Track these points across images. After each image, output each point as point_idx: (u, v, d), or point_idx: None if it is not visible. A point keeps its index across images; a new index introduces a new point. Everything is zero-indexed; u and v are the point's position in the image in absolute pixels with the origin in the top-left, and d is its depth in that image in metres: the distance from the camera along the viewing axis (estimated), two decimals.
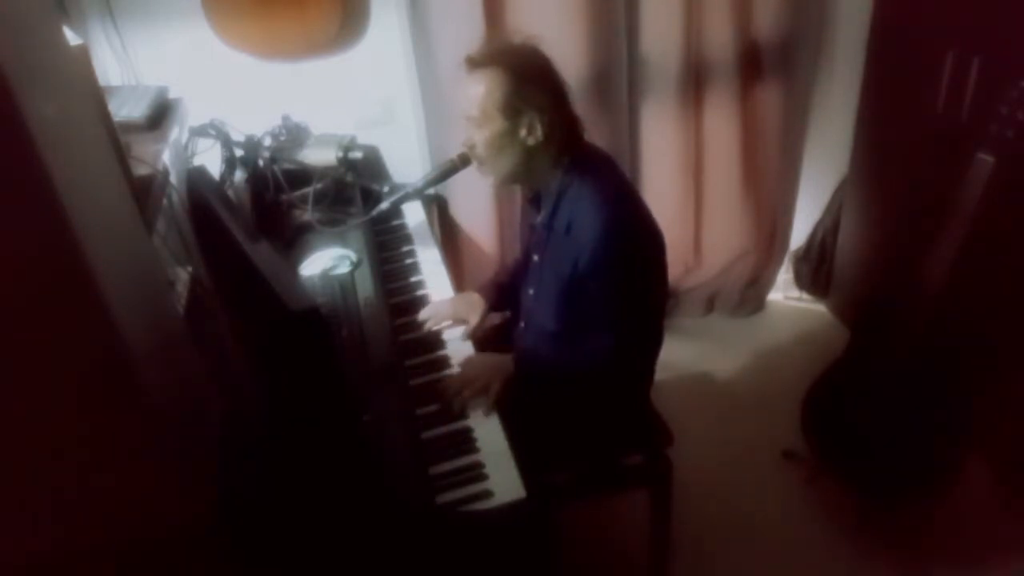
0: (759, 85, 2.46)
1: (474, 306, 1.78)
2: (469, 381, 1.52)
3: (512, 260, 2.09)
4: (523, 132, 1.50)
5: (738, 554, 1.99)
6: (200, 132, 1.92)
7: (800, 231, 2.88)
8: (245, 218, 1.80)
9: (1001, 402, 1.96)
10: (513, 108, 1.49)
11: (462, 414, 1.48)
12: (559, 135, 1.54)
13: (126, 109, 1.69)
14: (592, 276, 1.50)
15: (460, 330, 1.74)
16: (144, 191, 1.36)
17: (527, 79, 1.49)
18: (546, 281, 1.66)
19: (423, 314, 1.75)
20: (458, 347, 1.68)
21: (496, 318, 1.91)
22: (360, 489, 1.24)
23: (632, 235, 1.53)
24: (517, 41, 1.55)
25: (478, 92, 1.49)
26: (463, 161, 1.78)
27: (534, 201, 1.70)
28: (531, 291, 1.74)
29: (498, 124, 1.50)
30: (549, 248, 1.63)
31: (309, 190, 1.97)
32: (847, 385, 2.01)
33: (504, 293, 1.85)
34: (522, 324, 1.81)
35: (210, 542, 1.02)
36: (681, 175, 2.55)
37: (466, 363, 1.61)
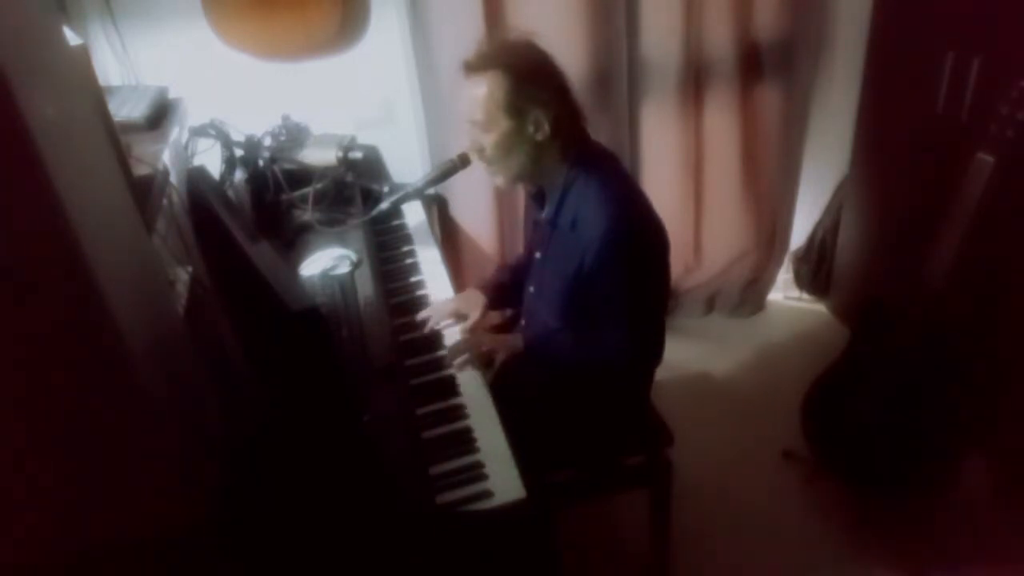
0: (759, 85, 2.46)
1: (475, 302, 1.78)
2: (476, 345, 1.53)
3: (514, 259, 2.09)
4: (530, 129, 1.50)
5: (738, 554, 1.99)
6: (200, 132, 1.92)
7: (800, 231, 2.88)
8: (245, 218, 1.80)
9: (1001, 401, 1.96)
10: (517, 107, 1.48)
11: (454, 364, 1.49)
12: (565, 127, 1.54)
13: (126, 109, 1.69)
14: (600, 272, 1.50)
15: (460, 329, 1.73)
16: (144, 191, 1.36)
17: (527, 77, 1.49)
18: (548, 278, 1.66)
19: (423, 314, 1.75)
20: None
21: (496, 317, 1.91)
22: (360, 489, 1.24)
23: (639, 231, 1.53)
24: (512, 39, 1.55)
25: (480, 95, 1.49)
26: (463, 161, 1.78)
27: (537, 197, 1.70)
28: (532, 288, 1.74)
29: (504, 125, 1.50)
30: (552, 244, 1.63)
31: (309, 190, 1.97)
32: (847, 385, 2.01)
33: (505, 292, 1.85)
34: (523, 322, 1.81)
35: (210, 542, 1.01)
36: (681, 175, 2.55)
37: (476, 331, 1.61)
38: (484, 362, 1.55)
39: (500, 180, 1.61)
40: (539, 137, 1.51)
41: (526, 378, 1.58)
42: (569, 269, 1.55)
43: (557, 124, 1.51)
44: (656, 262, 1.58)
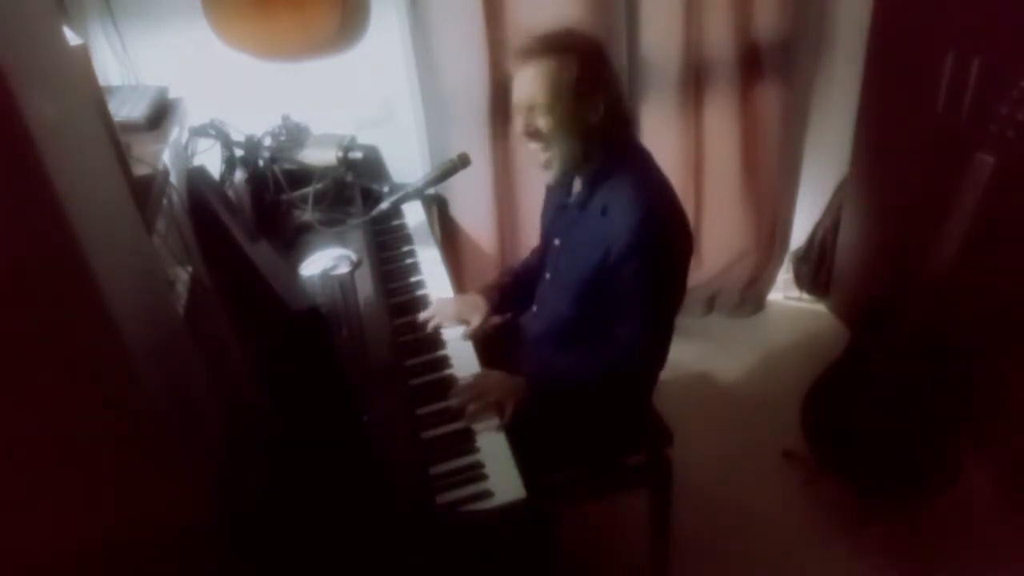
0: (759, 85, 2.46)
1: (476, 307, 1.77)
2: (482, 394, 1.48)
3: (518, 262, 2.09)
4: (589, 113, 1.51)
5: (738, 554, 1.99)
6: (200, 132, 1.92)
7: (800, 231, 2.88)
8: (245, 218, 1.80)
9: (1001, 402, 1.96)
10: (582, 91, 1.48)
11: (464, 418, 1.46)
12: (617, 114, 1.55)
13: (126, 109, 1.69)
14: (625, 263, 1.49)
15: (460, 330, 1.73)
16: (144, 191, 1.36)
17: (592, 61, 1.50)
18: (566, 265, 1.66)
19: (424, 315, 1.75)
20: (458, 347, 1.68)
21: (497, 320, 1.90)
22: (360, 489, 1.24)
23: (670, 227, 1.53)
24: (565, 27, 1.55)
25: (543, 78, 1.48)
26: (463, 161, 1.77)
27: (564, 183, 1.68)
28: (547, 275, 1.74)
29: (569, 107, 1.49)
30: (576, 230, 1.62)
31: (309, 190, 1.97)
32: (847, 385, 2.01)
33: (507, 296, 1.84)
34: (534, 308, 1.81)
35: (210, 542, 1.02)
36: (681, 175, 2.54)
37: (482, 375, 1.56)
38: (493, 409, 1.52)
39: (553, 166, 1.57)
40: (593, 119, 1.51)
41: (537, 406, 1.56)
42: (593, 256, 1.54)
43: (611, 110, 1.52)
44: (680, 265, 1.59)
